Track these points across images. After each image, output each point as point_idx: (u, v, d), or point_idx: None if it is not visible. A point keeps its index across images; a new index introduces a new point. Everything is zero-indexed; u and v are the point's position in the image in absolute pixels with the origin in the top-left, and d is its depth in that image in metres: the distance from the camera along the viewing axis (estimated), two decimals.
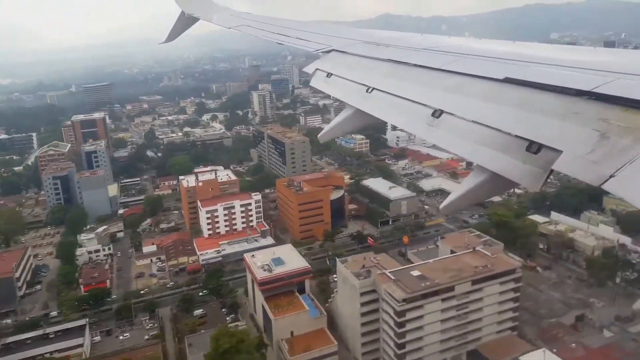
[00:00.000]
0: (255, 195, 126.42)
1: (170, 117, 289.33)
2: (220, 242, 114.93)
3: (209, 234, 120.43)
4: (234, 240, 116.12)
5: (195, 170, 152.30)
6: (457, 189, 5.70)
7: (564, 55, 6.96)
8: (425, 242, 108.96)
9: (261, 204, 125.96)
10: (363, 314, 73.50)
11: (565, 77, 5.35)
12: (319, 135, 9.41)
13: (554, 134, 4.73)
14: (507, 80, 5.81)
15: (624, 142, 4.11)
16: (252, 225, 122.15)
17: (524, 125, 5.07)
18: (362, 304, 73.29)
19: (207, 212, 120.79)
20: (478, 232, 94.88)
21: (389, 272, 74.22)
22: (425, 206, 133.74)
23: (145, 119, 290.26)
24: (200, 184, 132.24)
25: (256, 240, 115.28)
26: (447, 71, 6.95)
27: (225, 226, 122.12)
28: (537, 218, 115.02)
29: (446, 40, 9.33)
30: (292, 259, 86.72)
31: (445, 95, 6.57)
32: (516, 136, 5.01)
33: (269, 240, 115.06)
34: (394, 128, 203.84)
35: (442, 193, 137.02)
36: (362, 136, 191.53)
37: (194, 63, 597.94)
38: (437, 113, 6.20)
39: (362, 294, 73.20)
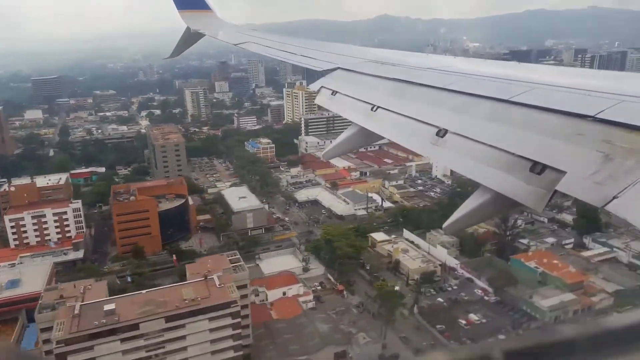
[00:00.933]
0: (74, 203, 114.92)
1: (109, 113, 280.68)
2: (21, 255, 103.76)
3: (15, 245, 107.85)
4: (37, 253, 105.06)
5: (72, 172, 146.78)
6: (460, 208, 5.71)
7: (568, 77, 7.03)
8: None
9: (81, 212, 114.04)
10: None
11: (569, 101, 5.40)
12: (322, 153, 9.47)
13: (557, 154, 4.76)
14: (512, 102, 5.87)
15: (628, 163, 4.14)
16: (70, 237, 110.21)
17: (527, 146, 5.10)
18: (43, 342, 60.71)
19: (11, 220, 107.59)
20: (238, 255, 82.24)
21: (81, 304, 63.76)
22: (286, 218, 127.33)
23: (81, 114, 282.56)
24: (12, 188, 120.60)
25: (65, 254, 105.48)
26: (452, 91, 7.02)
27: (37, 236, 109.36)
28: (382, 236, 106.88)
29: (451, 60, 9.44)
30: (34, 280, 77.35)
31: (450, 114, 6.63)
32: (520, 156, 5.04)
33: (80, 253, 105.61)
34: (307, 133, 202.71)
35: (316, 204, 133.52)
36: (268, 140, 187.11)
37: (182, 58, 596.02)
38: (442, 132, 6.25)
39: (42, 330, 61.69)
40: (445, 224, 5.79)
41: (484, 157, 5.45)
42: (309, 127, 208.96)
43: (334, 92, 9.79)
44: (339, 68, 10.84)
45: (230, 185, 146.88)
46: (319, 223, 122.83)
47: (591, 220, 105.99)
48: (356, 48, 13.47)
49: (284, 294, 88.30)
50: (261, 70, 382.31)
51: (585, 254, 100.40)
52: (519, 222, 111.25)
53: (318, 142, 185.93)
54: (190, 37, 23.71)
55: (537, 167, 4.80)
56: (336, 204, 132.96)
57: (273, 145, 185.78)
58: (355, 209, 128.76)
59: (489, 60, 8.99)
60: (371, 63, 10.62)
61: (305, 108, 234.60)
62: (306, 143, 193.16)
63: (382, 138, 7.73)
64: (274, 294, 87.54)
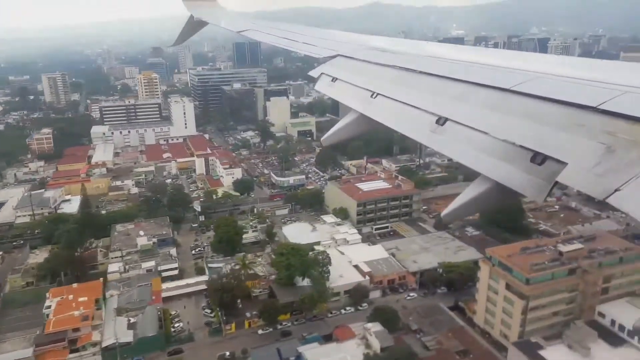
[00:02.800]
0: None
1: None
2: None
3: None
4: None
5: None
6: (460, 197, 5.65)
7: (571, 67, 6.93)
8: None
9: None
10: None
11: (571, 91, 5.31)
12: (322, 139, 9.39)
13: (559, 145, 4.69)
14: (513, 91, 5.78)
15: (631, 156, 4.06)
16: None
17: (529, 136, 5.03)
18: None
19: None
20: None
21: None
22: None
23: None
24: None
25: None
26: (452, 79, 6.92)
27: None
28: None
29: (452, 48, 9.33)
30: None
31: (451, 103, 6.54)
32: (521, 146, 4.97)
33: None
34: (103, 122, 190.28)
35: None
36: (49, 131, 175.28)
37: (161, 44, 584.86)
38: (442, 121, 6.17)
39: None
40: (443, 212, 5.73)
41: (484, 146, 5.37)
42: (105, 116, 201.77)
43: (334, 79, 9.70)
44: (339, 55, 10.74)
45: None
46: None
47: None
48: (356, 35, 13.35)
49: None
50: (189, 56, 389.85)
51: None
52: None
53: (104, 133, 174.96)
54: (194, 25, 23.77)
55: (538, 158, 4.73)
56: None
57: (50, 135, 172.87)
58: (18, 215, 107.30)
59: (491, 49, 8.88)
60: (371, 50, 10.51)
61: (146, 94, 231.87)
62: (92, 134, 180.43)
63: (382, 125, 7.65)
64: None
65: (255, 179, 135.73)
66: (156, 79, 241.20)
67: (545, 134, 4.93)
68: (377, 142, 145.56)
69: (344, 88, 9.20)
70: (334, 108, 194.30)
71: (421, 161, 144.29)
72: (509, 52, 8.49)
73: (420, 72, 7.80)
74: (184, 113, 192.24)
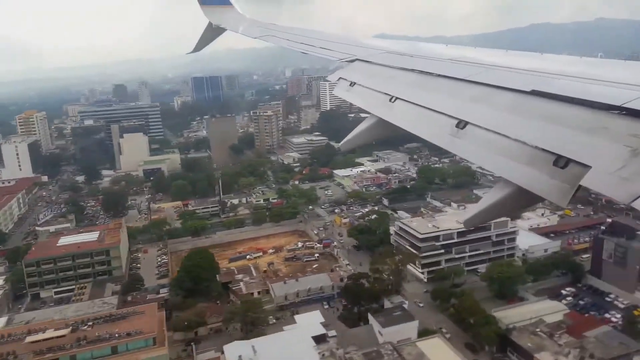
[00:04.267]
0: None
1: None
2: None
3: None
4: None
5: None
6: (481, 202, 5.61)
7: (591, 68, 6.84)
8: None
9: None
10: None
11: (593, 91, 5.25)
12: (340, 144, 9.40)
13: (582, 148, 4.63)
14: (534, 93, 5.73)
15: None
16: None
17: (551, 139, 4.97)
18: None
19: None
20: None
21: None
22: None
23: None
24: None
25: None
26: (472, 82, 6.88)
27: None
28: None
29: (471, 51, 9.26)
30: None
31: (471, 106, 6.50)
32: (543, 150, 4.92)
33: None
34: None
35: None
36: None
37: (166, 81, 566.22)
38: (462, 124, 6.13)
39: None
40: (464, 218, 5.69)
41: (506, 150, 5.33)
42: None
43: (352, 83, 9.71)
44: (357, 59, 10.76)
45: None
46: None
47: None
48: (373, 40, 13.36)
49: None
50: (145, 92, 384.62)
51: None
52: None
53: None
54: (213, 32, 24.04)
55: (561, 161, 4.67)
56: None
57: None
58: None
59: (510, 51, 8.79)
60: (389, 54, 10.51)
61: (22, 132, 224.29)
62: None
63: (400, 129, 7.64)
64: None
65: None
66: (40, 117, 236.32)
67: (568, 136, 4.87)
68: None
69: (362, 92, 9.22)
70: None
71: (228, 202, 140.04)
72: (528, 54, 8.40)
73: (439, 76, 7.78)
74: (17, 154, 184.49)
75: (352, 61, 10.82)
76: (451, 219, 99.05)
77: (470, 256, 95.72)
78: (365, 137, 8.80)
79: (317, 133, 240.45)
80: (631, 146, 4.23)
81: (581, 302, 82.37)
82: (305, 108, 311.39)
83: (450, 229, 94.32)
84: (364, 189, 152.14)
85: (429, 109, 7.07)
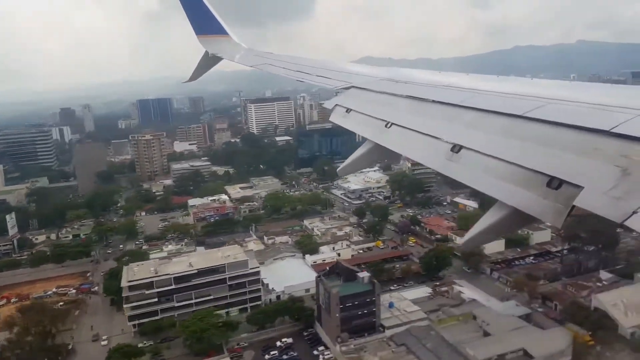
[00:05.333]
0: None
1: None
2: None
3: None
4: None
5: None
6: (478, 224, 5.68)
7: (583, 92, 7.01)
8: None
9: None
10: None
11: (584, 116, 5.39)
12: (338, 170, 9.51)
13: (574, 169, 4.73)
14: (527, 117, 5.87)
15: None
16: None
17: (544, 161, 5.09)
18: None
19: None
20: None
21: None
22: None
23: None
24: None
25: None
26: (466, 107, 7.04)
27: None
28: None
29: (464, 77, 9.48)
30: None
31: (465, 130, 6.64)
32: (536, 171, 5.02)
33: None
34: None
35: None
36: None
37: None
38: (457, 148, 6.26)
39: None
40: (462, 240, 5.75)
41: (500, 173, 5.43)
42: None
43: (348, 110, 9.89)
44: (352, 87, 10.97)
45: None
46: None
47: None
48: (370, 67, 13.62)
49: None
50: (88, 115, 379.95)
51: None
52: None
53: None
54: (209, 61, 24.29)
55: (554, 182, 4.77)
56: None
57: None
58: None
59: (502, 77, 9.01)
60: (385, 81, 10.73)
61: None
62: None
63: (397, 154, 7.76)
64: None
65: None
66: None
67: (560, 158, 4.99)
68: None
69: (358, 119, 9.38)
70: None
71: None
72: (520, 80, 8.61)
73: (434, 101, 7.95)
74: None
75: (348, 88, 11.03)
76: (195, 259, 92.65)
77: (197, 303, 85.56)
78: (363, 163, 8.92)
79: (205, 158, 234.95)
80: (622, 166, 4.34)
81: (284, 357, 76.52)
82: (219, 131, 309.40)
83: (168, 274, 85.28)
84: (205, 220, 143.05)
85: (424, 133, 7.21)
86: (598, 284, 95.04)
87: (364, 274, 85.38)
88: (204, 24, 24.13)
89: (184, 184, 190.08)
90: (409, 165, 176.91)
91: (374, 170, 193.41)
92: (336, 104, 10.41)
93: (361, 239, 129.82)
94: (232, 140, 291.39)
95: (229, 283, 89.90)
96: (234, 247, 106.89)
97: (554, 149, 5.16)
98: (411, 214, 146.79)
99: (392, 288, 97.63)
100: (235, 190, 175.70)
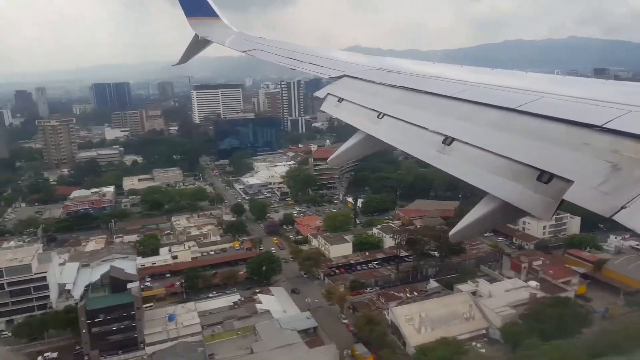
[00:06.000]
0: None
1: None
2: None
3: None
4: None
5: None
6: (467, 217, 5.69)
7: (576, 87, 7.02)
8: None
9: None
10: None
11: (576, 111, 5.39)
12: (328, 160, 9.45)
13: (565, 164, 4.75)
14: (519, 111, 5.87)
15: (636, 174, 4.12)
16: None
17: (534, 155, 5.09)
18: None
19: None
20: None
21: None
22: None
23: None
24: None
25: None
26: (458, 99, 7.02)
27: None
28: None
29: (458, 69, 9.45)
30: None
31: (457, 122, 6.62)
32: (527, 165, 5.03)
33: None
34: None
35: None
36: None
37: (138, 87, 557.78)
38: (448, 140, 6.25)
39: None
40: (451, 232, 5.76)
41: (491, 166, 5.44)
42: None
43: (340, 100, 9.81)
44: (345, 76, 10.87)
45: None
46: None
47: None
48: (363, 56, 13.51)
49: None
50: (42, 99, 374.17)
51: None
52: None
53: None
54: (198, 45, 23.85)
55: (544, 176, 4.78)
56: None
57: None
58: None
59: (496, 70, 8.99)
60: (377, 71, 10.65)
61: None
62: None
63: (388, 145, 7.73)
64: None
65: None
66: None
67: (551, 152, 5.00)
68: None
69: (350, 108, 9.32)
70: None
71: None
72: (513, 73, 8.60)
73: (427, 93, 7.92)
74: None
75: (340, 77, 10.93)
76: None
77: None
78: (354, 153, 8.87)
79: (116, 147, 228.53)
80: (612, 162, 4.36)
81: None
82: (151, 118, 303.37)
83: None
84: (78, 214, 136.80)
85: (416, 125, 7.18)
86: (415, 293, 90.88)
87: (134, 284, 77.77)
88: (194, 5, 23.69)
89: (80, 174, 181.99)
90: (312, 160, 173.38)
91: (283, 165, 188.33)
92: (328, 93, 10.32)
93: (219, 238, 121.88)
94: (161, 129, 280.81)
95: (8, 289, 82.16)
96: (26, 249, 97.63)
97: (545, 143, 5.17)
98: (291, 213, 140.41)
99: (209, 296, 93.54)
100: (132, 182, 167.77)
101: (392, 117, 7.87)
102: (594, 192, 4.26)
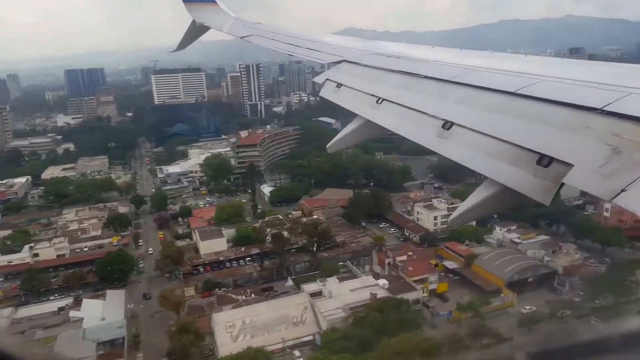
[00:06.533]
0: None
1: None
2: None
3: None
4: None
5: None
6: (466, 202, 5.68)
7: (576, 70, 6.97)
8: None
9: None
10: None
11: (576, 94, 5.35)
12: (327, 146, 9.41)
13: (564, 147, 4.72)
14: (518, 94, 5.83)
15: (637, 156, 4.10)
16: None
17: (534, 139, 5.07)
18: None
19: None
20: None
21: None
22: None
23: None
24: None
25: None
26: (458, 83, 6.97)
27: None
28: None
29: (457, 53, 9.38)
30: None
31: (456, 107, 6.59)
32: (527, 149, 5.01)
33: None
34: None
35: None
36: None
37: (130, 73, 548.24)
38: (448, 125, 6.21)
39: None
40: (451, 217, 5.76)
41: (490, 150, 5.41)
42: None
43: (338, 85, 9.75)
44: (344, 61, 10.80)
45: None
46: None
47: None
48: (362, 41, 13.41)
49: None
50: (13, 85, 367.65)
51: None
52: None
53: None
54: (196, 30, 23.65)
55: (544, 160, 4.76)
56: None
57: None
58: None
59: (496, 53, 8.93)
60: (376, 55, 10.58)
61: None
62: None
63: (387, 130, 7.70)
64: None
65: None
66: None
67: (551, 136, 4.97)
68: None
69: (349, 94, 9.27)
70: None
71: None
72: (512, 56, 8.54)
73: (426, 77, 7.86)
74: None
75: (339, 62, 10.86)
76: None
77: None
78: (353, 139, 8.84)
79: (51, 135, 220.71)
80: (612, 145, 4.33)
81: None
82: (103, 104, 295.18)
83: None
84: None
85: (415, 110, 7.14)
86: (253, 295, 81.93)
87: None
88: None
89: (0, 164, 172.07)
90: (234, 146, 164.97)
91: (218, 152, 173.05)
92: (327, 79, 10.26)
93: (99, 233, 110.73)
94: (107, 115, 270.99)
95: None
96: None
97: (544, 126, 5.14)
98: (195, 204, 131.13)
99: (50, 299, 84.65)
100: (52, 172, 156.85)
101: (391, 102, 7.82)
102: (594, 175, 4.24)
